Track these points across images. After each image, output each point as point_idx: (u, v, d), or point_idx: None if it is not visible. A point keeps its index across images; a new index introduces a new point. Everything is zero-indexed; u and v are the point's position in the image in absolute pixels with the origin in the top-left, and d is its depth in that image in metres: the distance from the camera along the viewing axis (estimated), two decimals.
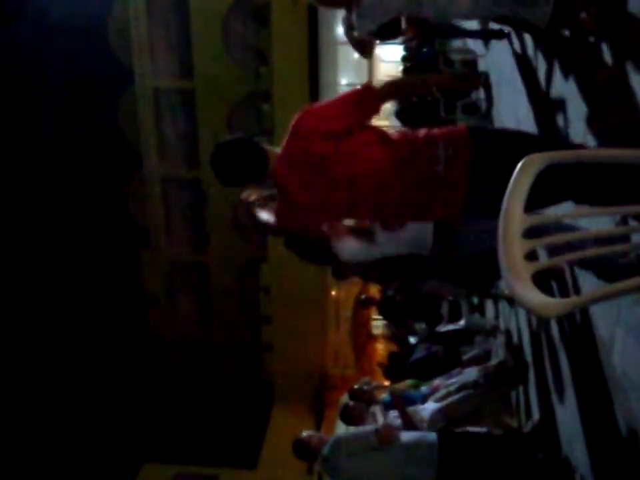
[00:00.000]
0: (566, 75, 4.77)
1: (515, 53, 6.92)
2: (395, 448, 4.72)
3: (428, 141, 2.99)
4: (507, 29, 6.70)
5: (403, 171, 2.98)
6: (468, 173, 2.89)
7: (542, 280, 2.03)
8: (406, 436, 4.90)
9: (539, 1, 4.01)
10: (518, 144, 2.84)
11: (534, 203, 2.09)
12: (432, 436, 4.93)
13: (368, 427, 5.20)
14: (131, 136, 21.43)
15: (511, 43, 7.12)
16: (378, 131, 3.14)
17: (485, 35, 8.24)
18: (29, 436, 19.12)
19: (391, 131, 3.22)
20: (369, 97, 3.09)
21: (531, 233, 2.05)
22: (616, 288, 1.89)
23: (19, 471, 18.06)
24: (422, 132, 3.05)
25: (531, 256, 2.03)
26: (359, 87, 3.16)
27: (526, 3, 4.09)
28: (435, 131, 3.05)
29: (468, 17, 5.43)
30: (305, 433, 5.07)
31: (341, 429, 13.54)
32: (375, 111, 3.13)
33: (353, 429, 5.85)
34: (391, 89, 3.23)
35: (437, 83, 3.63)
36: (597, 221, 3.16)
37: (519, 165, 2.07)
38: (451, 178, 2.92)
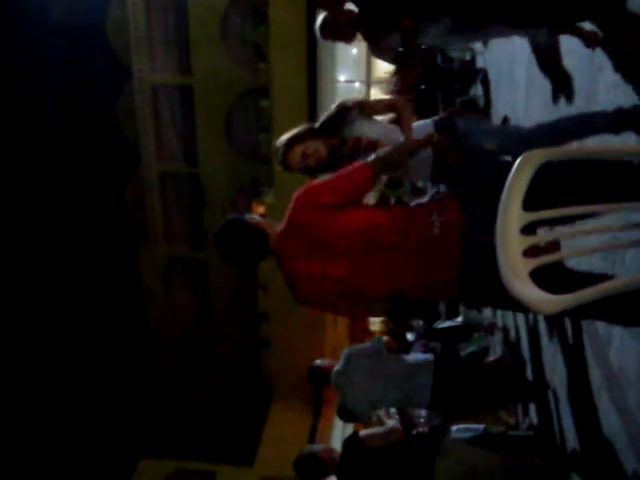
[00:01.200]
0: (566, 71, 4.77)
1: (514, 49, 6.93)
2: (400, 361, 5.09)
3: (422, 211, 3.19)
4: None
5: (404, 237, 3.11)
6: (462, 236, 3.01)
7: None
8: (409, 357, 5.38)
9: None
10: None
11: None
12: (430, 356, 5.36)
13: (377, 341, 5.54)
14: (130, 132, 21.40)
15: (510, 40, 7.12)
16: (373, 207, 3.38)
17: None
18: (26, 432, 19.12)
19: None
20: (364, 179, 3.25)
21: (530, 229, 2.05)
22: (614, 284, 1.89)
23: (17, 468, 18.05)
24: (415, 206, 3.33)
25: (530, 252, 2.03)
26: (356, 166, 3.27)
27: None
28: (428, 204, 3.32)
29: None
30: (318, 361, 5.39)
31: (339, 426, 13.59)
32: (369, 190, 3.33)
33: (350, 425, 5.98)
34: (381, 168, 3.37)
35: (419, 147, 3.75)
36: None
37: (517, 161, 2.06)
38: (447, 240, 3.04)
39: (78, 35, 19.11)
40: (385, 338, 5.53)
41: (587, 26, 3.90)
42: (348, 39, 4.49)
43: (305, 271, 3.31)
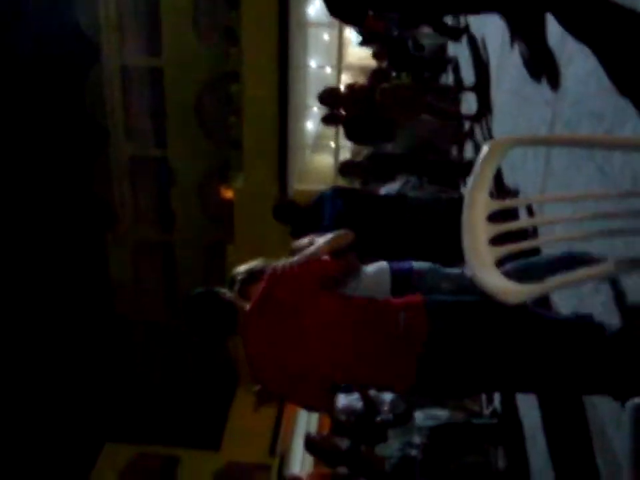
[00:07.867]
0: (536, 58, 4.78)
1: (485, 38, 6.93)
2: None
3: (389, 307, 3.10)
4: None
5: (363, 329, 3.07)
6: (423, 344, 2.93)
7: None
8: None
9: None
10: (475, 322, 2.91)
11: None
12: None
13: None
14: (98, 114, 21.21)
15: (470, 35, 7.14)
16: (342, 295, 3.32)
17: (441, 31, 8.45)
18: None
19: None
20: (330, 270, 3.35)
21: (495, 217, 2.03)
22: (577, 276, 1.88)
23: None
24: (383, 300, 3.20)
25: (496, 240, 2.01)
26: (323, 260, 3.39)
27: None
28: (395, 300, 3.17)
29: None
30: None
31: (304, 411, 13.59)
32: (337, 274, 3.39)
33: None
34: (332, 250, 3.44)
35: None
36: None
37: (485, 148, 2.04)
38: (408, 341, 2.96)
39: (47, 15, 18.86)
40: None
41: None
42: None
43: (265, 350, 3.31)
